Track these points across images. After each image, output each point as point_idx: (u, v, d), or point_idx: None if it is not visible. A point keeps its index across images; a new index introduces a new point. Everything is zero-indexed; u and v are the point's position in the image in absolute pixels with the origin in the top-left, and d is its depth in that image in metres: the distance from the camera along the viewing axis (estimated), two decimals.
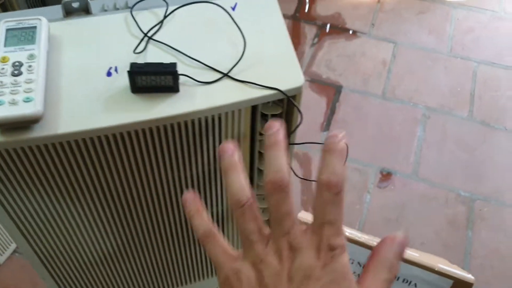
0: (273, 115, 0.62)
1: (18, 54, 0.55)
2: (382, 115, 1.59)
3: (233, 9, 0.64)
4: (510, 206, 1.42)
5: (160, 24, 0.61)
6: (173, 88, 0.56)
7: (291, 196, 0.42)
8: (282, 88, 0.57)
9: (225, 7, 0.62)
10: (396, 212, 1.40)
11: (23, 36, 0.56)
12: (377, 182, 1.45)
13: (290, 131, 0.63)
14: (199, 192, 0.67)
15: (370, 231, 1.35)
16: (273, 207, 0.42)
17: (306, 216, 1.18)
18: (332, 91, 1.64)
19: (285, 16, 1.84)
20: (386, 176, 1.46)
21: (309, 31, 1.79)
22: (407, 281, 1.13)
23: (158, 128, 0.56)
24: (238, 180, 0.43)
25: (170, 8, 0.63)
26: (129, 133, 0.55)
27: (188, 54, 0.59)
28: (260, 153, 0.67)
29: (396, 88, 1.66)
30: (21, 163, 0.55)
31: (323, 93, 1.63)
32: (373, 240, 1.14)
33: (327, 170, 0.41)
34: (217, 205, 0.71)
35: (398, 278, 1.13)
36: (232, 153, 0.45)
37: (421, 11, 1.88)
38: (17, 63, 0.54)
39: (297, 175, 0.71)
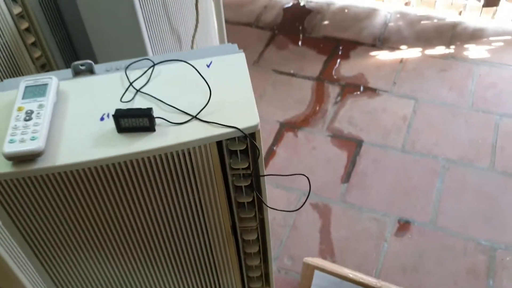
0: (241, 151, 0.73)
1: (31, 104, 0.70)
2: (401, 167, 1.65)
3: (208, 66, 0.77)
4: None
5: (146, 78, 0.75)
6: (150, 128, 0.69)
7: None
8: (241, 127, 0.69)
9: (197, 66, 0.76)
10: (413, 260, 1.43)
11: (37, 90, 0.71)
12: (395, 231, 1.49)
13: (254, 165, 0.74)
14: (181, 222, 0.78)
15: (386, 278, 1.39)
16: None
17: (318, 262, 1.25)
18: (353, 146, 1.72)
19: (310, 78, 1.97)
20: (403, 225, 1.51)
21: (333, 90, 1.91)
22: None
23: (138, 161, 0.68)
24: None
25: (156, 66, 0.77)
26: (114, 166, 0.68)
27: (165, 101, 0.72)
28: (236, 186, 0.78)
29: (415, 142, 1.72)
30: (29, 191, 0.68)
31: (344, 148, 1.72)
32: (377, 282, 1.19)
33: None
34: (205, 235, 0.82)
35: None
36: None
37: (443, 69, 1.96)
38: (29, 111, 0.69)
39: (268, 206, 0.81)
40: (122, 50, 1.18)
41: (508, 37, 2.07)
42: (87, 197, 0.71)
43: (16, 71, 1.13)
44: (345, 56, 2.06)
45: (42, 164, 0.66)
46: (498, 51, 2.02)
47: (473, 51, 2.02)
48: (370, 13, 2.24)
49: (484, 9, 2.13)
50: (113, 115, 0.68)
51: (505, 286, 1.37)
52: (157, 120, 0.69)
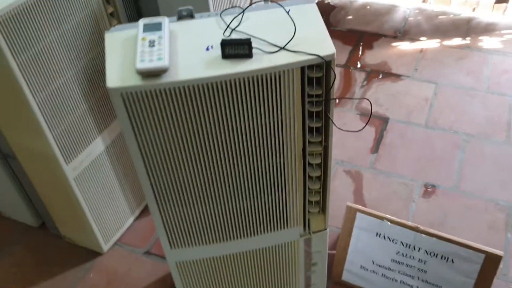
0: (317, 78, 0.90)
1: (151, 36, 0.87)
2: (425, 140, 1.82)
3: (288, 12, 0.94)
4: None
5: (238, 21, 0.93)
6: (249, 55, 0.86)
7: None
8: (320, 55, 0.86)
9: (279, 12, 0.93)
10: (439, 218, 1.59)
11: (154, 26, 0.89)
12: (421, 193, 1.65)
13: (329, 88, 0.91)
14: (264, 140, 0.95)
15: None
16: None
17: (356, 206, 1.40)
18: (380, 122, 1.89)
19: (337, 65, 2.15)
20: (429, 188, 1.67)
21: (359, 76, 2.09)
22: (445, 258, 1.32)
23: (239, 81, 0.85)
24: None
25: (246, 11, 0.95)
26: (221, 83, 0.85)
27: (258, 37, 0.89)
28: (310, 112, 0.95)
29: (437, 119, 1.89)
30: (153, 104, 0.85)
31: (372, 124, 1.89)
32: (412, 223, 1.35)
33: None
34: (281, 155, 0.98)
35: (437, 255, 1.32)
36: None
37: (460, 57, 2.14)
38: (151, 40, 0.86)
39: (337, 126, 0.97)
40: None
41: None
42: (197, 112, 0.88)
43: (99, 37, 1.31)
44: (369, 46, 2.24)
45: (166, 79, 0.83)
46: (509, 43, 2.20)
47: (487, 42, 2.20)
48: (390, 9, 2.43)
49: (496, 5, 2.32)
50: (220, 43, 0.85)
51: None
52: (253, 50, 0.86)
